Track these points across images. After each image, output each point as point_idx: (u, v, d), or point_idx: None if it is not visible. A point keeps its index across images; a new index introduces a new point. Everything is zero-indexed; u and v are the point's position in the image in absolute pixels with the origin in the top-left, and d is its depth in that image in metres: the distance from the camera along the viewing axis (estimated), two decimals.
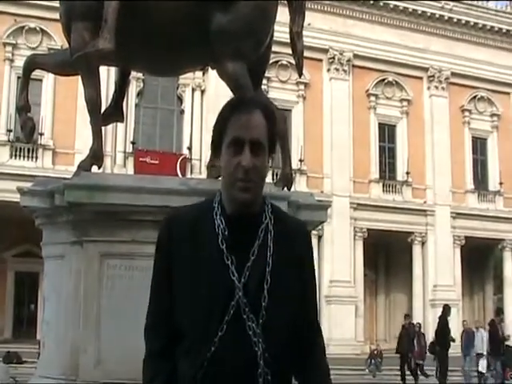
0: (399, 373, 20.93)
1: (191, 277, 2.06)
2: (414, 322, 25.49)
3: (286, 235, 2.13)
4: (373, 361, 26.94)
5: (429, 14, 37.61)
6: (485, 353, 20.10)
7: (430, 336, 35.60)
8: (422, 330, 23.85)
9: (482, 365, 19.94)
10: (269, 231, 2.10)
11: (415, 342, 21.24)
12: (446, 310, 18.56)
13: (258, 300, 2.01)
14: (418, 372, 20.88)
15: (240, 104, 2.15)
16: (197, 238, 2.10)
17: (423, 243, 36.99)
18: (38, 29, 31.29)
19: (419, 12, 37.40)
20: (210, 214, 2.13)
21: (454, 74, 38.07)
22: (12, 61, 30.68)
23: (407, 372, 20.70)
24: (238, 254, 2.04)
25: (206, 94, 33.33)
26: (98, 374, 4.82)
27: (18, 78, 27.73)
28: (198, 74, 31.28)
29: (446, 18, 37.94)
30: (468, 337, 21.11)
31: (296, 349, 2.12)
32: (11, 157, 30.19)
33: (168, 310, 2.11)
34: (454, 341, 19.51)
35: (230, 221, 2.10)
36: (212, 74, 24.06)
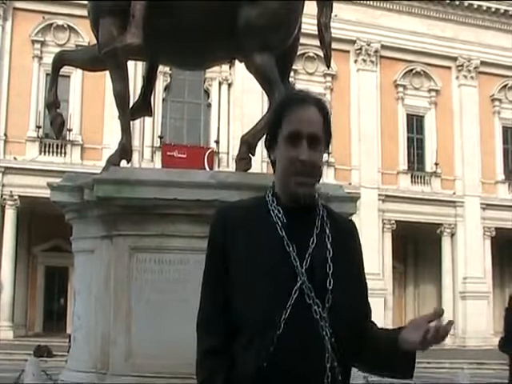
0: (429, 365, 20.61)
1: (250, 267, 2.06)
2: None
3: (339, 227, 2.17)
4: None
5: (457, 3, 37.12)
6: None
7: (459, 330, 35.57)
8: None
9: None
10: (325, 222, 2.14)
11: None
12: None
13: (323, 284, 2.03)
14: None
15: (296, 99, 2.17)
16: (253, 230, 2.11)
17: (452, 235, 36.64)
18: (65, 26, 31.54)
19: (447, 1, 36.96)
20: (263, 205, 2.15)
21: (483, 63, 37.54)
22: (40, 58, 30.98)
23: None
24: (298, 243, 2.07)
25: (232, 88, 33.33)
26: (128, 368, 4.85)
27: (47, 74, 28.01)
28: (225, 67, 31.31)
29: (475, 6, 37.40)
30: None
31: (361, 331, 2.15)
32: (40, 153, 30.54)
33: (223, 305, 2.09)
34: None
35: (287, 211, 2.12)
36: (239, 67, 24.08)
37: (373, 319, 2.31)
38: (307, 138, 2.09)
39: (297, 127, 2.09)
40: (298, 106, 2.13)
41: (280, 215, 2.11)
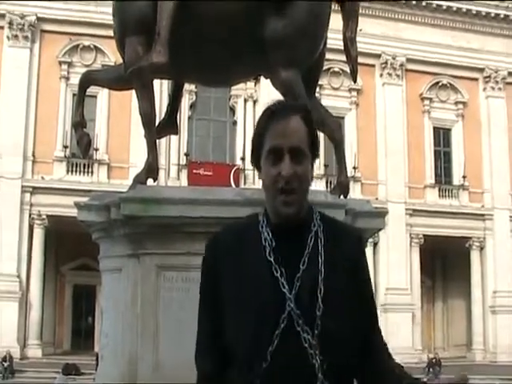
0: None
1: (239, 293, 1.99)
2: (474, 329, 24.36)
3: (337, 242, 2.03)
4: (431, 369, 26.48)
5: (484, 14, 36.90)
6: None
7: (490, 345, 34.99)
8: None
9: None
10: (319, 239, 2.02)
11: None
12: None
13: (312, 310, 1.92)
14: None
15: (276, 111, 2.04)
16: (243, 253, 2.03)
17: (481, 248, 36.23)
18: (91, 46, 31.98)
19: (473, 12, 36.73)
20: (255, 227, 2.06)
21: (511, 74, 37.26)
22: (67, 79, 31.40)
23: None
24: (287, 265, 1.96)
25: (258, 105, 33.38)
26: None
27: (74, 95, 28.29)
28: (250, 84, 31.43)
29: (501, 16, 37.15)
30: None
31: (355, 356, 2.02)
32: (68, 172, 30.89)
33: (218, 331, 2.04)
34: None
35: (277, 232, 2.02)
36: (264, 84, 24.14)
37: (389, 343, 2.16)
38: (289, 152, 1.97)
39: (276, 142, 1.98)
40: (278, 118, 2.00)
41: (269, 237, 2.01)
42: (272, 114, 2.03)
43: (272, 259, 1.97)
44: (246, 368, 1.94)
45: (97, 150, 30.39)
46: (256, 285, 1.96)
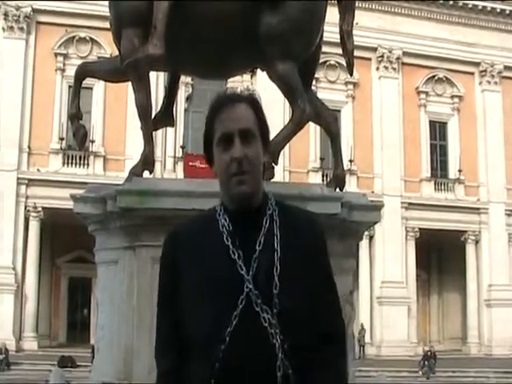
0: (454, 375, 20.37)
1: (199, 281, 2.00)
2: (469, 322, 24.43)
3: (293, 225, 2.07)
4: (426, 362, 26.55)
5: (480, 7, 36.91)
6: None
7: (485, 338, 35.12)
8: None
9: None
10: (274, 221, 2.05)
11: None
12: None
13: (270, 289, 1.94)
14: None
15: (222, 102, 2.09)
16: (202, 244, 2.06)
17: (477, 242, 36.34)
18: (87, 38, 31.89)
19: (470, 6, 36.74)
20: (213, 218, 2.10)
21: (506, 68, 37.30)
22: (63, 70, 31.31)
23: None
24: (245, 248, 2.00)
25: None
26: (151, 380, 4.82)
27: (70, 87, 28.26)
28: (247, 77, 31.33)
29: (497, 10, 37.17)
30: None
31: (314, 338, 2.03)
32: (63, 164, 30.85)
33: (178, 324, 2.04)
34: None
35: (234, 218, 2.06)
36: (260, 76, 24.11)
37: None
38: (239, 136, 2.02)
39: (225, 128, 2.03)
40: (226, 107, 2.06)
41: (226, 223, 2.05)
42: (219, 106, 2.08)
43: (229, 243, 2.00)
44: (205, 352, 1.93)
45: (93, 142, 30.32)
46: (215, 270, 1.98)
